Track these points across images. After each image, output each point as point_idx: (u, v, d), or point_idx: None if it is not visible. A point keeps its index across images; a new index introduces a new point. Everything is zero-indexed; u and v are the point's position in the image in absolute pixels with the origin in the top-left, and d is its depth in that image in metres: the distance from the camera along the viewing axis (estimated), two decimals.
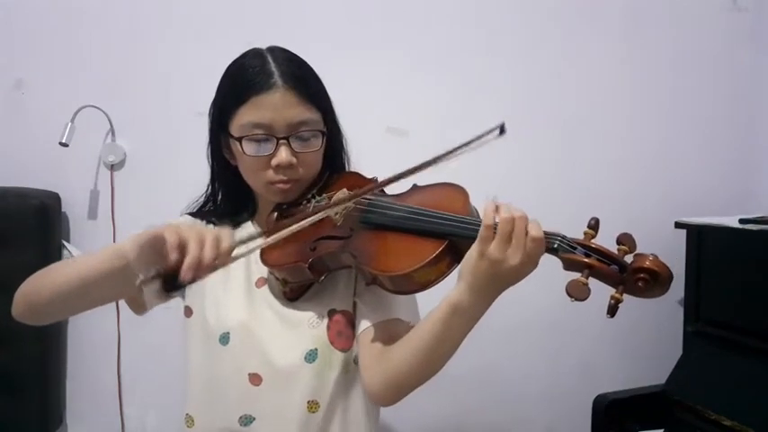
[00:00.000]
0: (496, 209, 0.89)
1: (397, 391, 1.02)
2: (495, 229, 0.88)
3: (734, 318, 1.67)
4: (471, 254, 0.90)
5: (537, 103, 2.02)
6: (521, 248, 0.87)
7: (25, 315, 1.06)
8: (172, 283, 0.85)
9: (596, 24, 2.04)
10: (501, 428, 2.09)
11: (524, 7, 2.01)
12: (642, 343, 2.05)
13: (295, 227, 0.97)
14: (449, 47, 1.98)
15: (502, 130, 0.97)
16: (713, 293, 1.74)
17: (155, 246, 0.88)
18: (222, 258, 0.88)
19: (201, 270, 0.86)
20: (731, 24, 2.09)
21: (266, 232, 1.03)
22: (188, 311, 1.18)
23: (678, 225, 1.79)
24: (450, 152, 0.96)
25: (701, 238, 1.76)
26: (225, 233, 0.90)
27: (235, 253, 0.91)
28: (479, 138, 0.96)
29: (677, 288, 1.74)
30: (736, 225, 1.66)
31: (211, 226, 1.20)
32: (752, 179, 2.11)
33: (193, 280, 0.85)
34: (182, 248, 0.85)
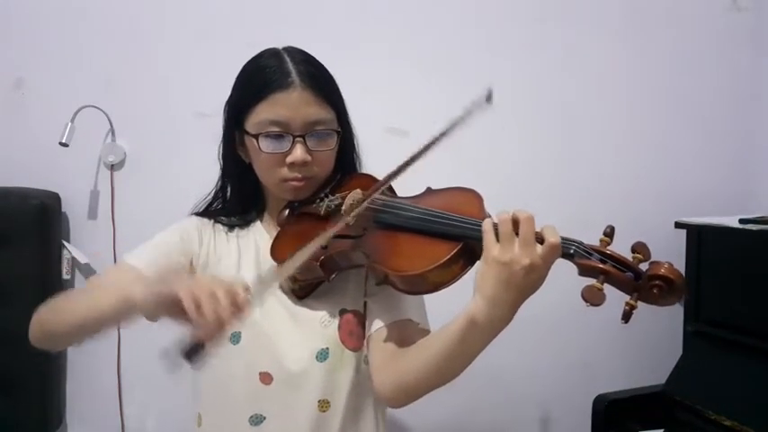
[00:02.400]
0: (496, 215, 0.89)
1: (407, 395, 1.03)
2: (497, 233, 0.88)
3: (734, 318, 1.67)
4: (481, 263, 0.90)
5: (537, 103, 2.02)
6: (528, 247, 0.86)
7: (41, 343, 1.09)
8: (198, 353, 0.84)
9: (596, 25, 2.04)
10: (501, 428, 2.09)
11: (524, 8, 2.01)
12: (642, 343, 2.05)
13: (311, 246, 0.97)
14: (449, 46, 1.98)
15: (489, 97, 0.97)
16: (713, 293, 1.73)
17: (169, 303, 0.88)
18: (240, 311, 0.86)
19: (223, 330, 0.85)
20: (731, 24, 2.09)
21: (287, 257, 1.02)
22: None
23: (678, 225, 1.79)
24: (447, 130, 0.97)
25: (701, 238, 1.76)
26: (239, 285, 0.88)
27: (256, 290, 0.90)
28: (470, 110, 0.96)
29: None
30: (736, 225, 1.66)
31: (219, 225, 1.21)
32: (752, 179, 2.11)
33: (217, 342, 0.85)
34: (198, 309, 0.84)
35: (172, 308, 0.87)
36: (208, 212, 1.24)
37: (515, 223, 0.87)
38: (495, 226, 0.89)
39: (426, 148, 0.99)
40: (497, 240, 0.88)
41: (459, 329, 0.91)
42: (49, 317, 1.05)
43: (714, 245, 1.74)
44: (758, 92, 2.10)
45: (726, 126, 2.11)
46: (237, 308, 0.85)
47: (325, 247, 1.06)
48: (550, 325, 2.00)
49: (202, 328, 0.83)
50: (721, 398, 1.58)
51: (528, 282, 0.87)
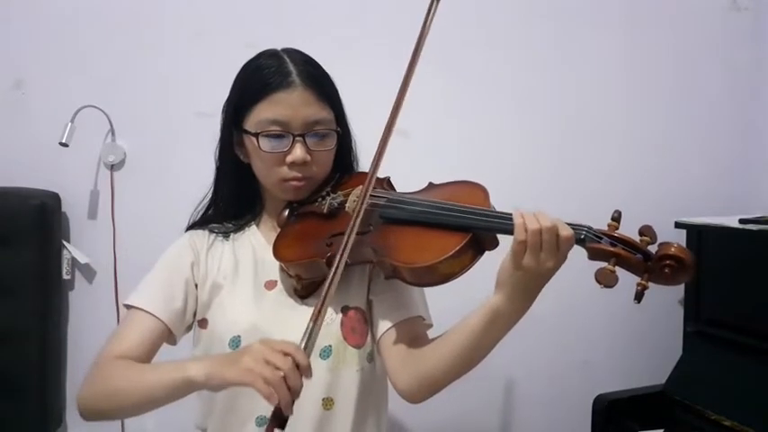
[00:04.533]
0: (524, 223, 0.91)
1: (430, 389, 1.05)
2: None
3: (734, 318, 1.67)
4: (506, 266, 0.93)
5: (537, 103, 2.02)
6: (553, 252, 0.89)
7: (90, 419, 1.09)
8: (282, 422, 0.88)
9: (596, 24, 2.04)
10: (501, 428, 2.09)
11: (525, 7, 2.01)
12: (642, 343, 2.05)
13: (333, 277, 0.97)
14: (449, 47, 1.98)
15: None
16: (713, 293, 1.73)
17: (235, 384, 0.93)
18: (306, 372, 0.90)
19: (296, 395, 0.88)
20: (731, 24, 2.09)
21: (291, 257, 1.07)
22: (204, 323, 1.18)
23: (678, 225, 1.79)
24: (417, 46, 0.99)
25: (700, 238, 1.76)
26: (294, 349, 0.90)
27: (308, 344, 0.93)
28: (426, 17, 0.99)
29: (677, 288, 1.74)
30: (736, 225, 1.66)
31: (213, 236, 1.21)
32: (752, 179, 2.11)
33: (294, 402, 0.89)
34: (272, 389, 0.87)
35: (239, 385, 0.92)
36: (201, 223, 1.23)
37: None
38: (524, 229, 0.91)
39: (408, 75, 1.00)
40: (525, 249, 0.90)
41: (483, 322, 0.95)
42: (104, 402, 1.06)
43: (714, 245, 1.74)
44: (758, 92, 2.10)
45: (726, 126, 2.11)
46: (303, 371, 0.89)
47: (330, 245, 1.07)
48: (550, 326, 2.00)
49: (278, 401, 0.87)
50: (721, 398, 1.58)
51: (548, 276, 0.91)
